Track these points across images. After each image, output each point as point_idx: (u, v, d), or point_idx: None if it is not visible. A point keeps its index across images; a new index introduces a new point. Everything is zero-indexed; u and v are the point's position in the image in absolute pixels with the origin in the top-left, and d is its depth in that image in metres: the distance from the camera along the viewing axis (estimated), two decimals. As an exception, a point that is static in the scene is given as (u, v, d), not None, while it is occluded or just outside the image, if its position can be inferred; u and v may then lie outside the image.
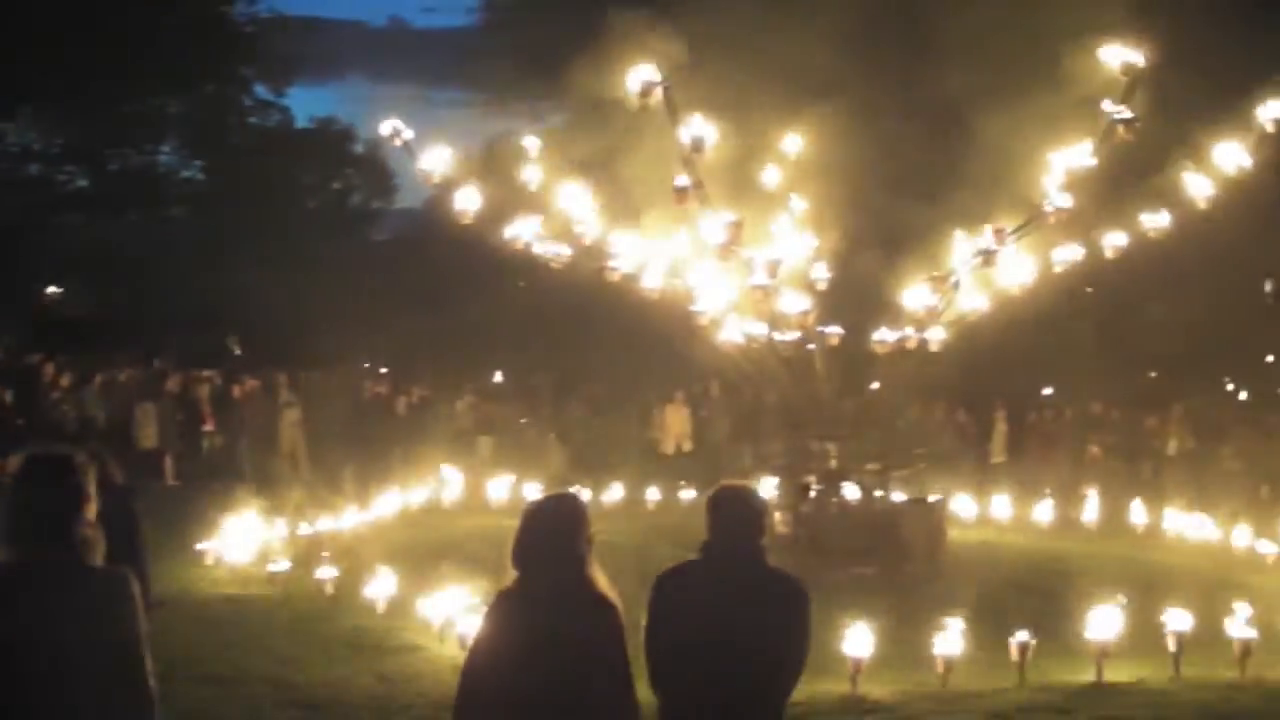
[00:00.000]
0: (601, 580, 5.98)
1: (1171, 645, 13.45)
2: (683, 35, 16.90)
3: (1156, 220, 17.45)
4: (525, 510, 6.21)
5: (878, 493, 19.32)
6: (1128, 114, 16.26)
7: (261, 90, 49.91)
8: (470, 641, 6.29)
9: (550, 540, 5.96)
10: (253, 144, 48.44)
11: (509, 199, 18.61)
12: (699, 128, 16.47)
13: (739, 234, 17.54)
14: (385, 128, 17.89)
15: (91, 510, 5.31)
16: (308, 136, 51.92)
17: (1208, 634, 13.78)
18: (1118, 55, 16.07)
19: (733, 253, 17.56)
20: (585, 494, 6.62)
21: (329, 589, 15.99)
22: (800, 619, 6.19)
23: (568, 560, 5.93)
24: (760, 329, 18.70)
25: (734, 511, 6.29)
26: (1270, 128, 16.96)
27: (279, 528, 19.24)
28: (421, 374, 33.51)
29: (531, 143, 18.42)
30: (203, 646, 13.20)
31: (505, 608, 5.98)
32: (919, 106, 24.53)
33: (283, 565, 16.97)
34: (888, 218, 21.24)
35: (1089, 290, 28.76)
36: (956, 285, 17.99)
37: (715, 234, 17.39)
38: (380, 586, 15.33)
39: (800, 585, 6.26)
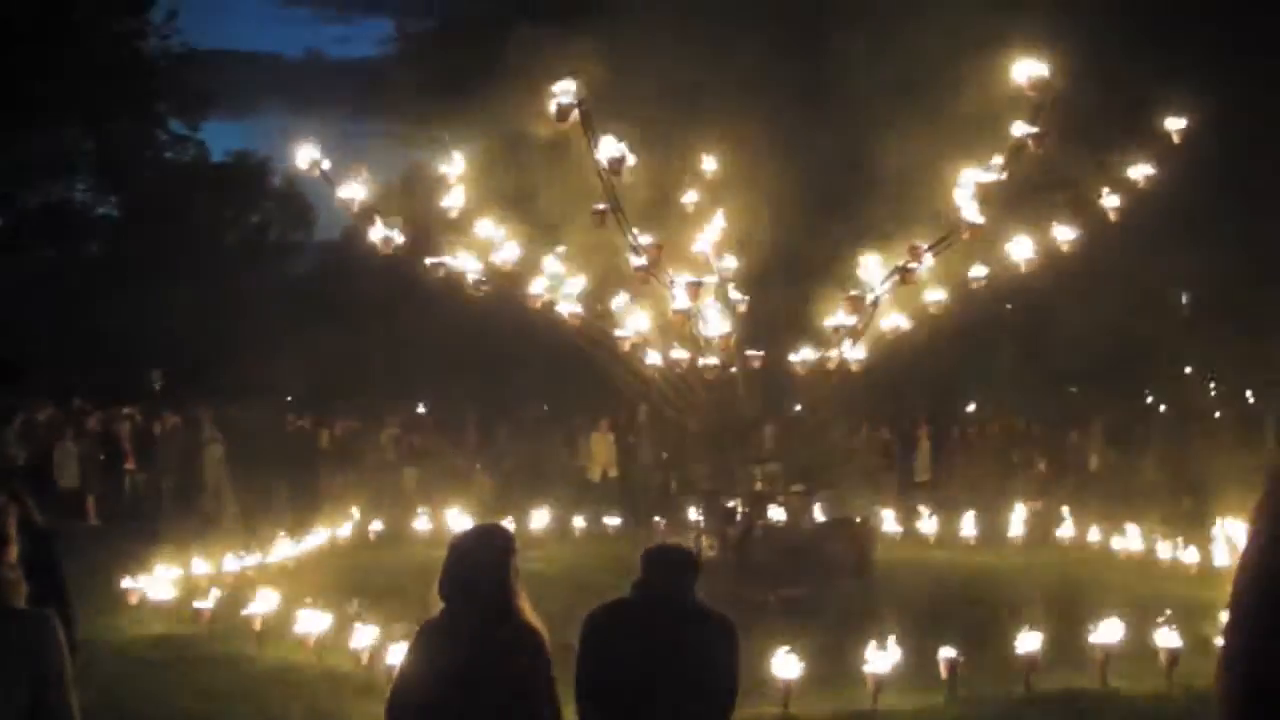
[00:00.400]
0: (528, 610, 5.96)
1: (1099, 656, 13.56)
2: (596, 59, 16.87)
3: (1066, 233, 17.57)
4: (452, 541, 6.21)
5: (804, 514, 19.35)
6: (1035, 129, 16.37)
7: (176, 125, 49.65)
8: (397, 673, 6.25)
9: (477, 571, 5.95)
10: (168, 179, 48.11)
11: (429, 227, 18.52)
12: (616, 149, 16.43)
13: (659, 256, 17.54)
14: (302, 158, 17.73)
15: (13, 552, 5.25)
16: (224, 170, 51.64)
17: (1134, 644, 13.91)
18: (1026, 70, 16.17)
19: (653, 276, 17.53)
20: (511, 523, 6.57)
21: (256, 625, 15.84)
22: (730, 654, 6.20)
23: (494, 591, 5.91)
24: (683, 353, 18.67)
25: (666, 558, 6.33)
26: (1175, 138, 17.19)
27: (204, 565, 19.07)
28: (345, 406, 33.38)
29: (451, 169, 18.31)
30: (129, 687, 13.08)
31: (431, 638, 5.97)
32: (834, 125, 24.67)
33: (209, 603, 16.82)
34: (806, 238, 21.33)
35: (1008, 306, 29.00)
36: (875, 304, 18.04)
37: (635, 258, 17.37)
38: (309, 621, 15.21)
39: (729, 621, 6.28)
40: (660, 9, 20.11)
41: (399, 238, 17.96)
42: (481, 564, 5.97)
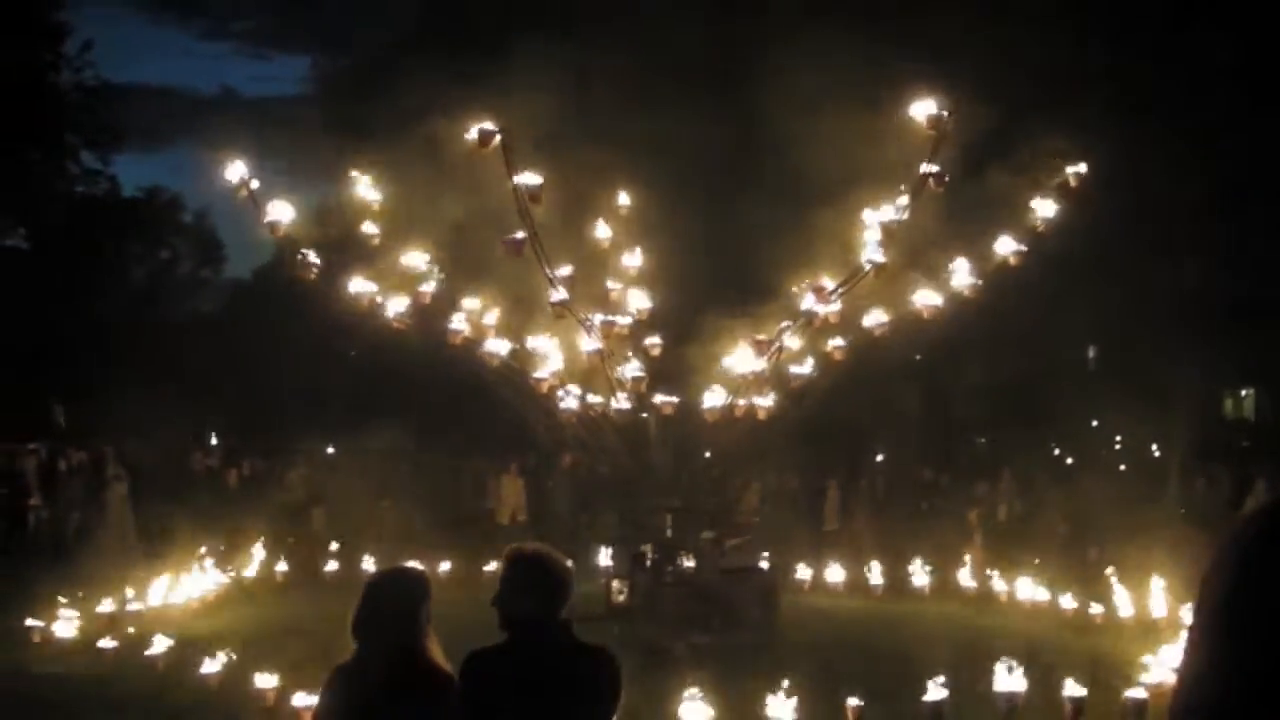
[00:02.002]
0: (438, 654, 5.95)
1: (1003, 706, 13.66)
2: (512, 96, 16.88)
3: (967, 279, 17.70)
4: (367, 583, 6.16)
5: (713, 561, 19.37)
6: (935, 168, 16.57)
7: (88, 157, 49.20)
8: (310, 717, 6.22)
9: (390, 614, 5.92)
10: (78, 212, 47.66)
11: (349, 256, 18.45)
12: (534, 178, 16.43)
13: (574, 290, 17.60)
14: (233, 173, 17.58)
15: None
16: (135, 205, 51.22)
17: (1040, 695, 14.02)
18: (924, 110, 16.37)
19: (569, 312, 17.54)
20: (418, 565, 6.52)
21: (160, 666, 15.68)
22: (612, 689, 6.13)
23: (407, 634, 5.89)
24: (596, 398, 18.68)
25: (535, 581, 6.16)
26: (1073, 182, 17.42)
27: (108, 604, 18.86)
28: (253, 445, 33.15)
29: (371, 195, 18.20)
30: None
31: (343, 682, 5.93)
32: (744, 168, 24.85)
33: (112, 642, 16.63)
34: (715, 280, 21.44)
35: (917, 358, 29.20)
36: (780, 349, 18.10)
37: (553, 291, 17.38)
38: (212, 663, 15.06)
39: (610, 655, 6.20)
40: (576, 51, 20.25)
41: (317, 261, 17.89)
42: (394, 607, 5.94)
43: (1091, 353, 43.46)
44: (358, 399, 38.12)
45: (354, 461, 29.64)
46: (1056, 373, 37.19)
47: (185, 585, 21.08)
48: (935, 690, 13.50)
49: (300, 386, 39.00)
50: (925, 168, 16.60)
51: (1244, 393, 47.21)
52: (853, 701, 13.22)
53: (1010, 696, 13.75)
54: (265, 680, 14.13)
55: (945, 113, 16.38)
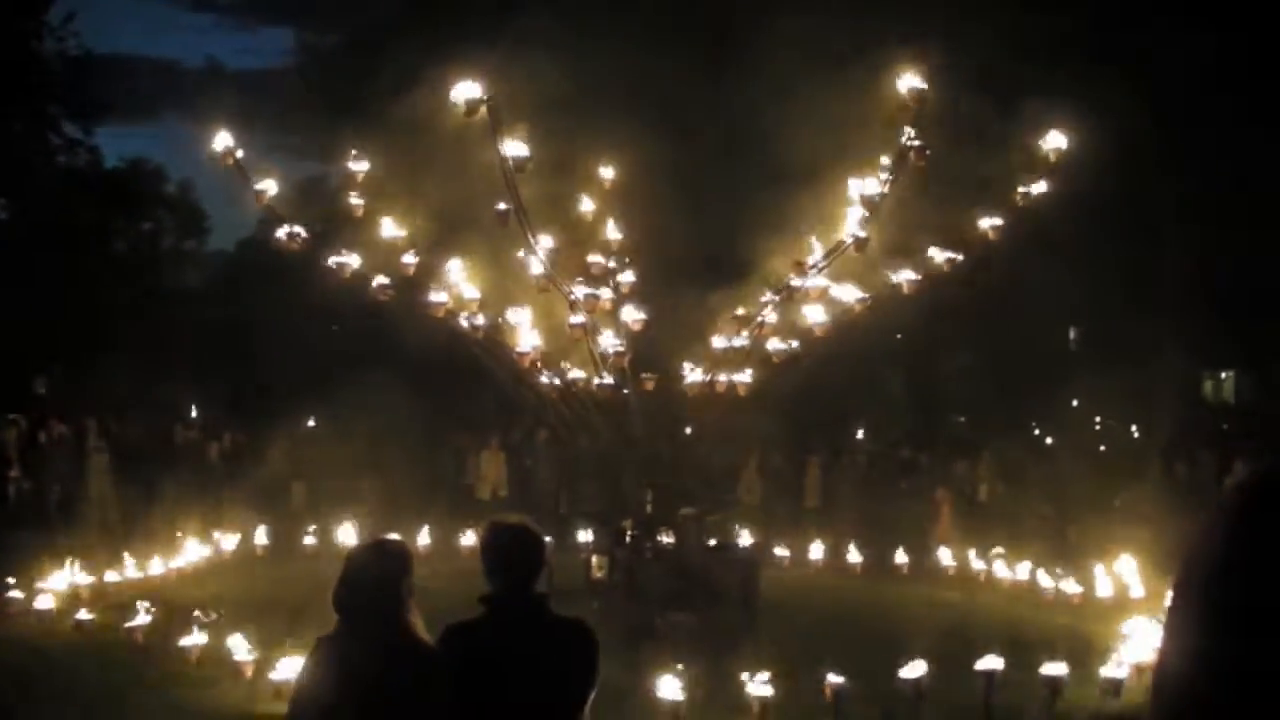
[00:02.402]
0: (420, 628, 5.93)
1: (983, 685, 13.67)
2: (498, 66, 16.79)
3: (951, 255, 17.70)
4: (349, 555, 6.14)
5: (693, 538, 19.35)
6: (918, 141, 16.49)
7: (70, 128, 48.86)
8: (293, 688, 6.21)
9: (372, 587, 5.89)
10: (60, 183, 47.37)
11: (333, 228, 18.39)
12: (520, 148, 16.34)
13: (558, 262, 17.55)
14: (218, 143, 17.49)
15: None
16: (117, 176, 50.88)
17: (1018, 674, 14.04)
18: (907, 83, 16.30)
19: (553, 284, 17.49)
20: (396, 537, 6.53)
21: (139, 638, 15.65)
22: (589, 662, 6.11)
23: (389, 607, 5.87)
24: (578, 372, 18.62)
25: (512, 556, 6.15)
26: (1053, 156, 17.36)
27: (88, 576, 18.83)
28: (234, 418, 33.06)
29: (357, 166, 18.11)
30: (8, 699, 12.88)
31: (325, 653, 5.92)
32: (727, 139, 24.81)
33: (91, 614, 16.60)
34: (698, 254, 21.41)
35: (899, 336, 29.22)
36: (761, 324, 18.06)
37: (536, 263, 17.33)
38: (193, 635, 15.04)
39: (587, 628, 6.19)
40: (563, 20, 20.20)
41: (303, 233, 17.85)
42: (378, 579, 5.92)
43: (1073, 333, 43.51)
44: (340, 373, 38.02)
45: (334, 435, 29.60)
46: (1038, 353, 37.23)
47: (165, 558, 21.03)
48: (914, 669, 13.52)
49: (282, 360, 38.87)
50: (906, 139, 16.53)
51: (1224, 375, 47.32)
52: (832, 679, 13.23)
53: (989, 675, 13.77)
54: (247, 654, 14.15)
55: (925, 85, 16.32)
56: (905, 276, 17.54)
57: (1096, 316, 38.39)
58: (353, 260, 18.05)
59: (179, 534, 22.50)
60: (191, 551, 22.09)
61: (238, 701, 13.45)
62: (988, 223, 17.54)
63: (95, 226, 47.26)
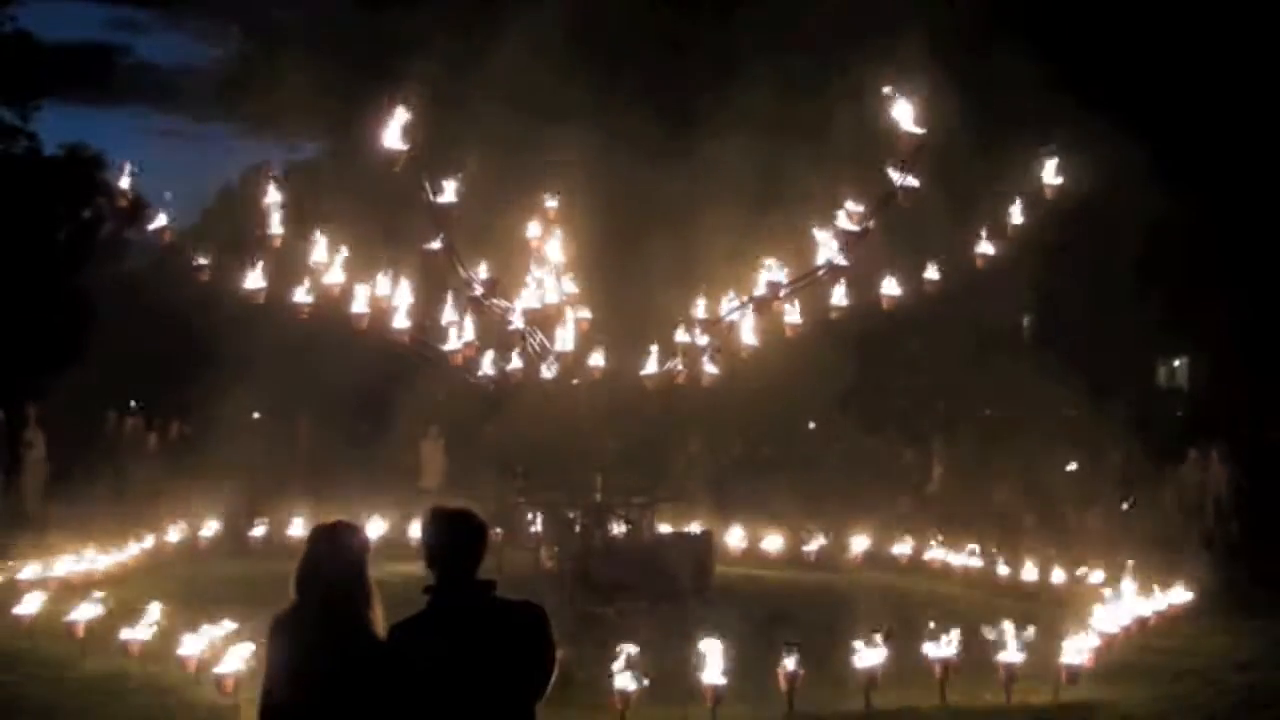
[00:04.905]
0: (379, 617, 6.03)
1: (938, 672, 13.55)
2: (440, 68, 16.38)
3: (932, 274, 17.58)
4: (310, 535, 6.20)
5: (644, 526, 19.16)
6: (912, 181, 15.98)
7: (8, 114, 48.29)
8: (266, 672, 6.04)
9: (332, 566, 5.99)
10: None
11: (248, 251, 17.74)
12: (450, 193, 15.78)
13: (495, 289, 17.17)
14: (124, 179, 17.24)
15: None
16: (56, 164, 50.26)
17: (973, 661, 13.95)
18: (902, 118, 15.72)
19: (489, 304, 17.14)
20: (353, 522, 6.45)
21: (79, 632, 15.29)
22: (543, 644, 5.99)
23: (350, 586, 5.98)
24: (518, 364, 18.11)
25: (456, 544, 6.03)
26: (1049, 193, 17.02)
27: (26, 570, 18.51)
28: (175, 408, 32.76)
29: (271, 199, 17.37)
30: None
31: (277, 632, 5.98)
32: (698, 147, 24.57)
33: (30, 608, 16.26)
34: (662, 254, 21.18)
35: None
36: (728, 328, 17.79)
37: (472, 288, 16.92)
38: (135, 629, 14.73)
39: (536, 608, 6.12)
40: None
41: (206, 263, 17.37)
42: (337, 559, 6.02)
43: (1026, 321, 43.48)
44: (283, 364, 37.69)
45: (277, 427, 29.33)
46: (994, 343, 37.19)
47: (106, 551, 20.67)
48: (868, 656, 13.35)
49: (225, 350, 38.55)
50: (896, 179, 16.02)
51: (1177, 362, 47.40)
52: (787, 666, 13.03)
53: (944, 662, 13.64)
54: (190, 647, 13.92)
55: (919, 130, 15.75)
56: (889, 290, 17.40)
57: (1049, 304, 38.36)
58: (261, 286, 17.27)
59: (119, 526, 22.11)
60: (132, 544, 21.77)
61: (181, 696, 13.19)
62: (981, 249, 17.34)
63: (33, 214, 46.72)
